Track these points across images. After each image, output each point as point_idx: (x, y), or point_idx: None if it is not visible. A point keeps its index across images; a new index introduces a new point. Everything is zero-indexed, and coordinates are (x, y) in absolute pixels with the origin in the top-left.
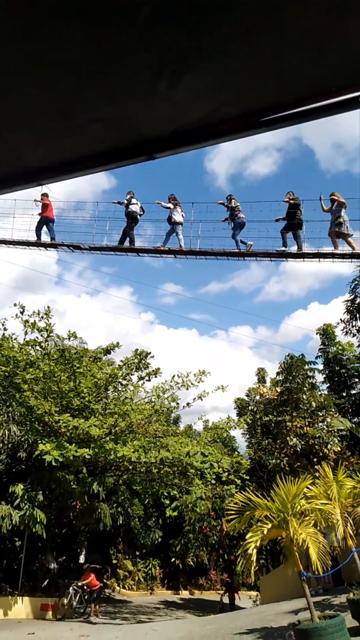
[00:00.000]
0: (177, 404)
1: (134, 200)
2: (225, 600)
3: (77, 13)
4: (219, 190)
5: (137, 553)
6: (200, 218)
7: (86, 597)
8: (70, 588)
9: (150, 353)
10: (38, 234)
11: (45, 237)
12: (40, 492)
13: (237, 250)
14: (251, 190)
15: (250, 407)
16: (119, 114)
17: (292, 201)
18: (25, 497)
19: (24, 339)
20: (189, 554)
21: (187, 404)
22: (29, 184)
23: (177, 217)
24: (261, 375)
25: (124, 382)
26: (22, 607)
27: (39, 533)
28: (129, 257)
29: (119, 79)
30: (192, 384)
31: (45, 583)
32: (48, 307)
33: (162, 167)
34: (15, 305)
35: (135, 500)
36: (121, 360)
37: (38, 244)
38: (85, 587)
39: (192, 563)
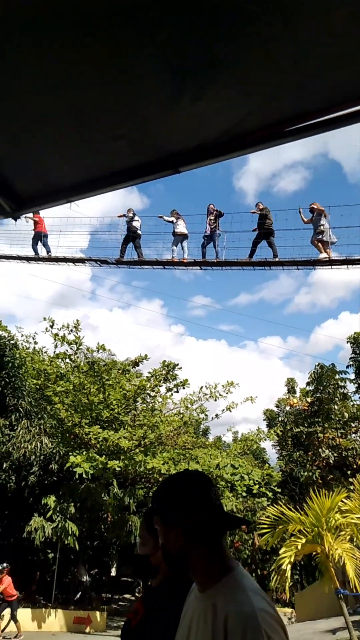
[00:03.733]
0: (206, 415)
1: (135, 218)
2: None
3: (97, 31)
4: (248, 208)
5: None
6: (226, 229)
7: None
8: None
9: (177, 364)
10: (35, 250)
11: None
12: (72, 504)
13: (246, 260)
14: (280, 206)
15: (280, 419)
16: (143, 129)
17: (259, 212)
18: (58, 509)
19: (54, 352)
20: None
21: (216, 415)
22: (59, 201)
23: (180, 229)
24: (291, 385)
25: (152, 394)
26: (55, 620)
27: (71, 545)
28: (159, 271)
29: (142, 95)
30: (220, 395)
31: (78, 596)
32: (77, 320)
33: (191, 187)
34: (45, 319)
35: None
36: (149, 372)
37: (37, 258)
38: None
39: None
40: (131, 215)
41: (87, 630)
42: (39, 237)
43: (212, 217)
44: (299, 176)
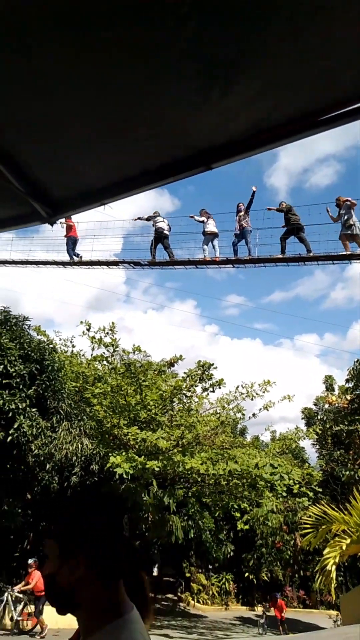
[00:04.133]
0: (243, 414)
1: (159, 219)
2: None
3: (124, 31)
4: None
5: (210, 567)
6: (257, 226)
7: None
8: (6, 594)
9: (213, 364)
10: (70, 255)
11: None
12: None
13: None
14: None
15: (319, 417)
16: (173, 127)
17: (277, 209)
18: None
19: (91, 355)
20: (262, 569)
21: (253, 414)
22: (93, 204)
23: (210, 228)
24: (329, 383)
25: (189, 394)
26: None
27: None
28: (191, 271)
29: (171, 92)
30: (257, 394)
31: None
32: (112, 323)
33: (221, 186)
34: (81, 323)
35: (206, 513)
36: (185, 372)
37: (72, 263)
38: (27, 593)
39: (266, 578)
40: (153, 215)
41: None
42: (73, 241)
43: (242, 214)
44: (331, 170)
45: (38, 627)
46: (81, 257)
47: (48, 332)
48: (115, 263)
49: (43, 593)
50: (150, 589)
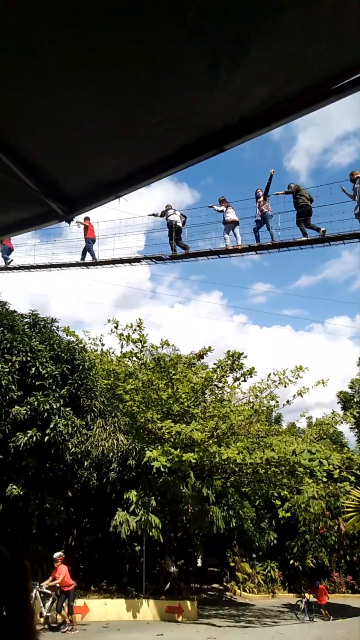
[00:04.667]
0: (277, 402)
1: (170, 212)
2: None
3: (127, 16)
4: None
5: (254, 555)
6: (279, 210)
7: (57, 601)
8: (33, 591)
9: (242, 353)
10: (92, 254)
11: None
12: (152, 497)
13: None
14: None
15: (355, 400)
16: (183, 111)
17: (283, 193)
18: (139, 502)
19: (121, 352)
20: (307, 556)
21: (287, 401)
22: (108, 198)
23: (230, 216)
24: None
25: (220, 385)
26: (148, 609)
27: (156, 537)
28: (215, 262)
29: (178, 75)
30: (289, 380)
31: (168, 586)
32: (139, 319)
33: (240, 174)
34: (109, 321)
35: (246, 503)
36: (214, 363)
37: (95, 263)
38: (55, 589)
39: (312, 565)
40: (165, 209)
41: (180, 619)
42: (93, 242)
43: (261, 200)
44: (352, 148)
45: (68, 620)
46: (95, 258)
47: (77, 333)
48: (137, 260)
49: (70, 588)
50: (195, 579)
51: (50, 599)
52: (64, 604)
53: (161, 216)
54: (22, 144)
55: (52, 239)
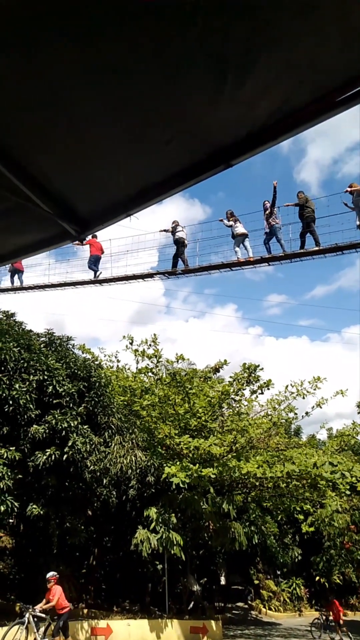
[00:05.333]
0: (295, 414)
1: (179, 228)
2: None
3: (131, 37)
4: (316, 203)
5: (278, 572)
6: (290, 220)
7: (52, 624)
8: (26, 615)
9: (258, 366)
10: (94, 270)
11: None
12: (173, 514)
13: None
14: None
15: None
16: (191, 127)
17: (294, 204)
18: (160, 520)
19: (136, 368)
20: (333, 572)
21: (306, 413)
22: (119, 216)
23: (239, 230)
24: None
25: (237, 398)
26: (172, 630)
27: (178, 555)
28: (228, 275)
29: (185, 91)
30: (307, 392)
31: (191, 605)
32: (154, 334)
33: (251, 189)
34: (124, 337)
35: (268, 518)
36: (230, 377)
37: (99, 280)
38: (47, 612)
39: (339, 581)
40: (174, 225)
41: (204, 639)
42: (96, 259)
43: (268, 212)
44: None
45: None
46: (100, 273)
47: (93, 350)
48: (150, 275)
49: (65, 610)
50: (218, 597)
51: (46, 623)
52: (60, 625)
53: (171, 232)
54: (35, 168)
55: (66, 258)
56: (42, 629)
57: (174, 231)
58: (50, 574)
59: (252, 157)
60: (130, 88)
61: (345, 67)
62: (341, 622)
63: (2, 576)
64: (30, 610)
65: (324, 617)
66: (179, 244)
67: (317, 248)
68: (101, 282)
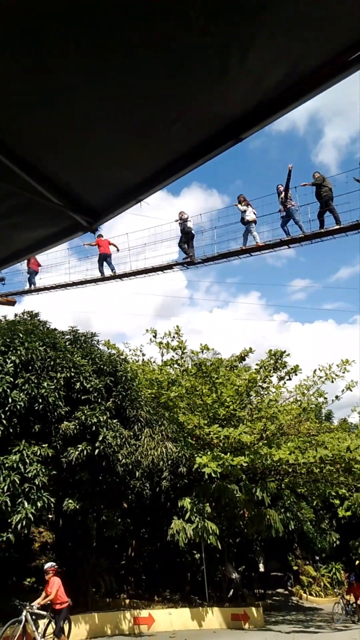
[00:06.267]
0: (325, 399)
1: (189, 219)
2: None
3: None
4: (333, 181)
5: (317, 558)
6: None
7: (52, 621)
8: (23, 613)
9: (285, 352)
10: (101, 270)
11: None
12: (207, 504)
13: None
14: None
15: None
16: (197, 104)
17: (311, 184)
18: (194, 510)
19: (162, 360)
20: None
21: (336, 397)
22: (129, 203)
23: (249, 216)
24: None
25: (265, 385)
26: (213, 617)
27: (214, 544)
28: (250, 263)
29: (188, 67)
30: (336, 375)
31: (231, 593)
32: (177, 326)
33: (268, 174)
34: (147, 331)
35: (303, 504)
36: (257, 364)
37: (105, 278)
38: (48, 608)
39: None
40: (185, 216)
41: (246, 626)
42: (104, 258)
43: (282, 196)
44: None
45: None
46: (115, 271)
47: (118, 345)
48: (169, 266)
49: (64, 605)
50: (258, 584)
51: (45, 620)
52: (62, 624)
53: (185, 220)
54: (41, 161)
55: (86, 255)
56: (41, 627)
57: (184, 221)
58: (48, 565)
59: (262, 128)
60: (133, 73)
61: (356, 25)
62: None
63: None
64: (27, 607)
65: (345, 601)
66: (187, 234)
67: (338, 226)
68: (121, 276)
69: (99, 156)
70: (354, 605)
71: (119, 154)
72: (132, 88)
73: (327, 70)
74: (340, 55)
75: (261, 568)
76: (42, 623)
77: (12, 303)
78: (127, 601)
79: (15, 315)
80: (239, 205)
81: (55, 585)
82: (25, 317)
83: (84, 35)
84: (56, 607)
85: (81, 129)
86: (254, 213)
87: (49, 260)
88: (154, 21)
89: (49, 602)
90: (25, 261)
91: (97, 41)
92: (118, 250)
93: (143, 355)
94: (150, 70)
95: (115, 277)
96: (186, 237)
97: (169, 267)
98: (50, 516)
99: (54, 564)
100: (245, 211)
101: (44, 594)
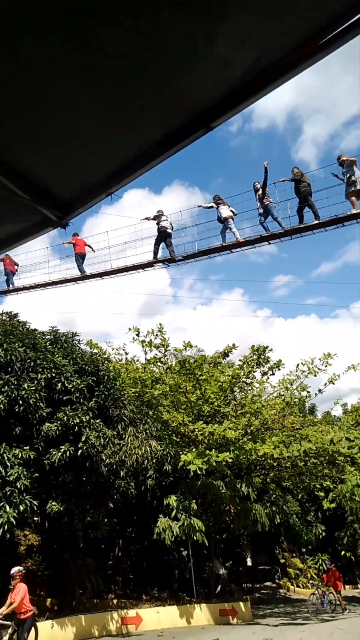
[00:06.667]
0: (308, 392)
1: (163, 217)
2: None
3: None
4: (312, 177)
5: (304, 550)
6: (287, 197)
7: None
8: None
9: (267, 347)
10: (80, 269)
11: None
12: (193, 501)
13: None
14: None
15: None
16: (165, 90)
17: (290, 179)
18: (180, 507)
19: (145, 359)
20: (359, 545)
21: (319, 390)
22: (99, 196)
23: (225, 213)
24: None
25: (248, 381)
26: (201, 614)
27: (200, 541)
28: (232, 260)
29: (155, 54)
30: (319, 369)
31: (219, 589)
32: (160, 324)
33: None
34: (129, 329)
35: (289, 497)
36: (240, 360)
37: (85, 277)
38: (13, 617)
39: None
40: (157, 214)
41: (234, 621)
42: (81, 257)
43: (260, 193)
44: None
45: None
46: (85, 272)
47: (101, 344)
48: (150, 264)
49: (28, 615)
50: (246, 579)
51: (9, 630)
52: (26, 636)
53: (153, 219)
54: (7, 153)
55: (66, 254)
56: (5, 637)
57: (159, 221)
58: (14, 570)
59: (233, 116)
60: (100, 57)
61: (326, 6)
62: (341, 591)
63: (31, 573)
64: None
65: (320, 592)
66: (162, 233)
67: (317, 222)
68: (102, 275)
69: (66, 144)
70: (330, 595)
71: (86, 144)
72: (99, 72)
73: (297, 54)
74: (311, 38)
75: (249, 562)
76: (6, 633)
77: None
78: (115, 601)
79: None
80: (203, 204)
81: (20, 593)
82: (4, 317)
83: (49, 17)
84: (20, 617)
85: (47, 116)
86: (231, 210)
87: (29, 260)
88: (120, 2)
89: (13, 609)
90: (1, 262)
91: (63, 25)
92: (94, 251)
93: (126, 354)
94: (117, 53)
95: (95, 275)
96: (159, 236)
97: (149, 264)
98: (35, 518)
99: (21, 568)
100: (216, 208)
101: (8, 601)
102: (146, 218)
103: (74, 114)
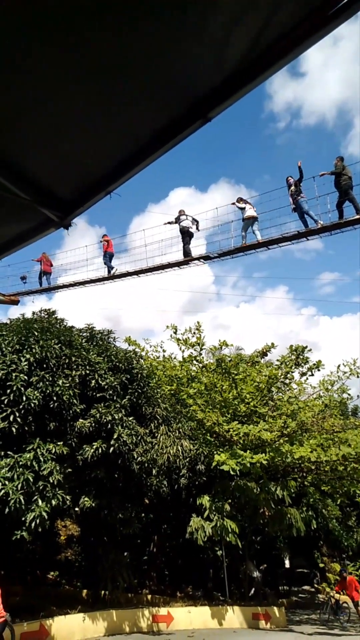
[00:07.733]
0: (349, 394)
1: (182, 217)
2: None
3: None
4: (355, 170)
5: (344, 555)
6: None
7: None
8: None
9: (306, 347)
10: (108, 266)
11: None
12: (226, 502)
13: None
14: None
15: None
16: (160, 81)
17: (330, 173)
18: (213, 508)
19: (182, 357)
20: None
21: None
22: (98, 195)
23: (248, 213)
24: None
25: (287, 381)
26: (234, 616)
27: (233, 542)
28: (277, 257)
29: (146, 44)
30: None
31: (252, 592)
32: (198, 322)
33: (296, 168)
34: (167, 327)
35: (329, 501)
36: (277, 360)
37: (114, 276)
38: None
39: None
40: (178, 215)
41: (268, 626)
42: (110, 256)
43: (293, 189)
44: None
45: None
46: (115, 269)
47: (139, 342)
48: (185, 262)
49: (0, 621)
50: (283, 581)
51: None
52: None
53: (175, 222)
54: (6, 154)
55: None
56: None
57: (178, 221)
58: None
59: (231, 105)
60: (90, 48)
61: None
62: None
63: (69, 563)
64: None
65: (333, 600)
66: (184, 233)
67: (358, 216)
68: (138, 273)
69: (64, 145)
70: (344, 604)
71: (83, 141)
72: (90, 65)
73: (306, 27)
74: (318, 9)
75: (287, 564)
76: None
77: (16, 302)
78: (149, 597)
79: (33, 313)
80: (237, 204)
81: None
82: (42, 315)
83: (44, 15)
84: None
85: (46, 115)
86: (254, 210)
87: (69, 258)
88: None
89: None
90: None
91: (57, 22)
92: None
93: (164, 351)
94: (109, 40)
95: (131, 274)
96: (183, 236)
97: (185, 262)
98: (76, 509)
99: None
100: (244, 209)
101: None
102: (169, 222)
103: (67, 112)
